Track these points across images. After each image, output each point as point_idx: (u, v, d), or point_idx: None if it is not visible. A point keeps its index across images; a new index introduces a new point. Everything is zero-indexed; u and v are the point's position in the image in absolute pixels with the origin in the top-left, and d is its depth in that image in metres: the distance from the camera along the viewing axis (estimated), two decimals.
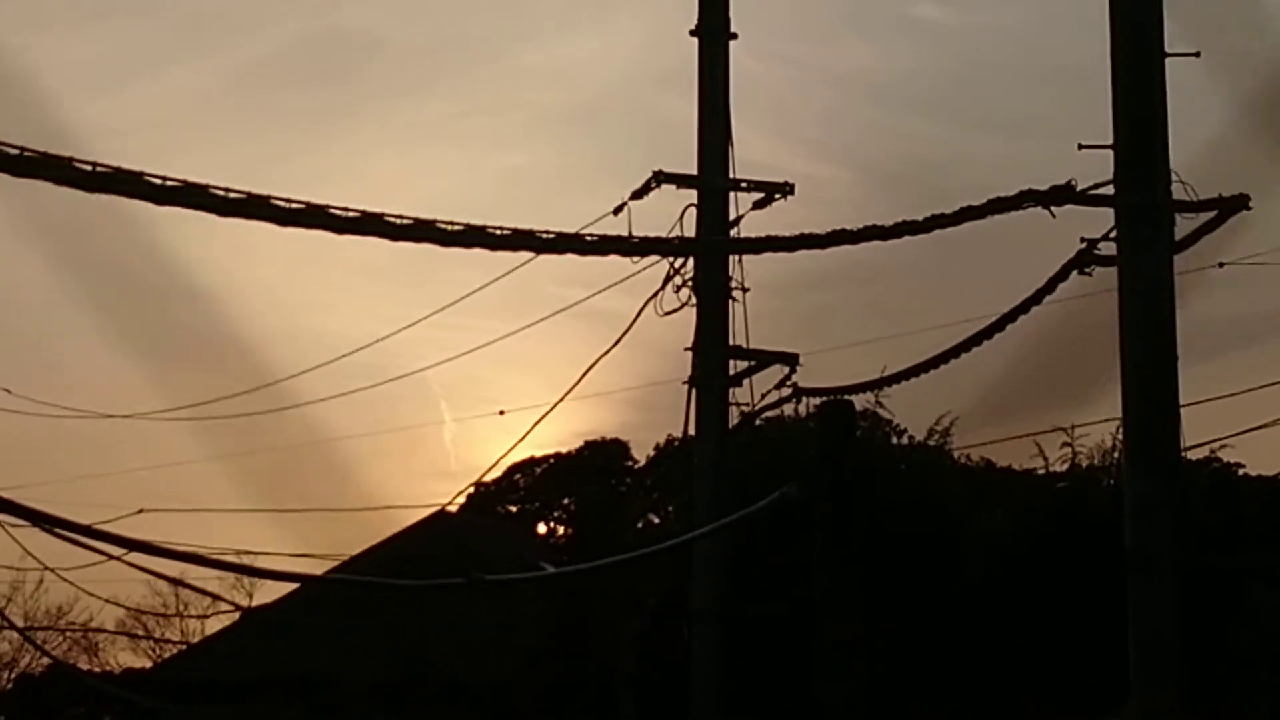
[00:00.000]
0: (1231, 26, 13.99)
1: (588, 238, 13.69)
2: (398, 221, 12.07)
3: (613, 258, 14.45)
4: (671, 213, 18.97)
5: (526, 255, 13.45)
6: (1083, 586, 21.85)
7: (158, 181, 10.86)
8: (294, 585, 29.58)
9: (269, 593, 40.53)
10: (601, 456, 47.56)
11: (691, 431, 19.56)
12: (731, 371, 19.48)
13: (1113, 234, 14.04)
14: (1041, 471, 26.00)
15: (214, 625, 39.74)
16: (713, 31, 19.68)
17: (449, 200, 47.04)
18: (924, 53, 61.91)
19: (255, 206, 11.31)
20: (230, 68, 59.83)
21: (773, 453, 23.90)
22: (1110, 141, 13.95)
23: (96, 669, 46.39)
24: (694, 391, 19.37)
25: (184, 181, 10.95)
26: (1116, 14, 14.05)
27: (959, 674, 23.23)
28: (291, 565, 23.96)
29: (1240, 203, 13.99)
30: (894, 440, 27.05)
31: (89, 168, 10.60)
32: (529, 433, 20.43)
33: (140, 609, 46.36)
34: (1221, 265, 17.44)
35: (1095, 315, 14.65)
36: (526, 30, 63.18)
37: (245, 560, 20.74)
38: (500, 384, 46.38)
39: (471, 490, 38.12)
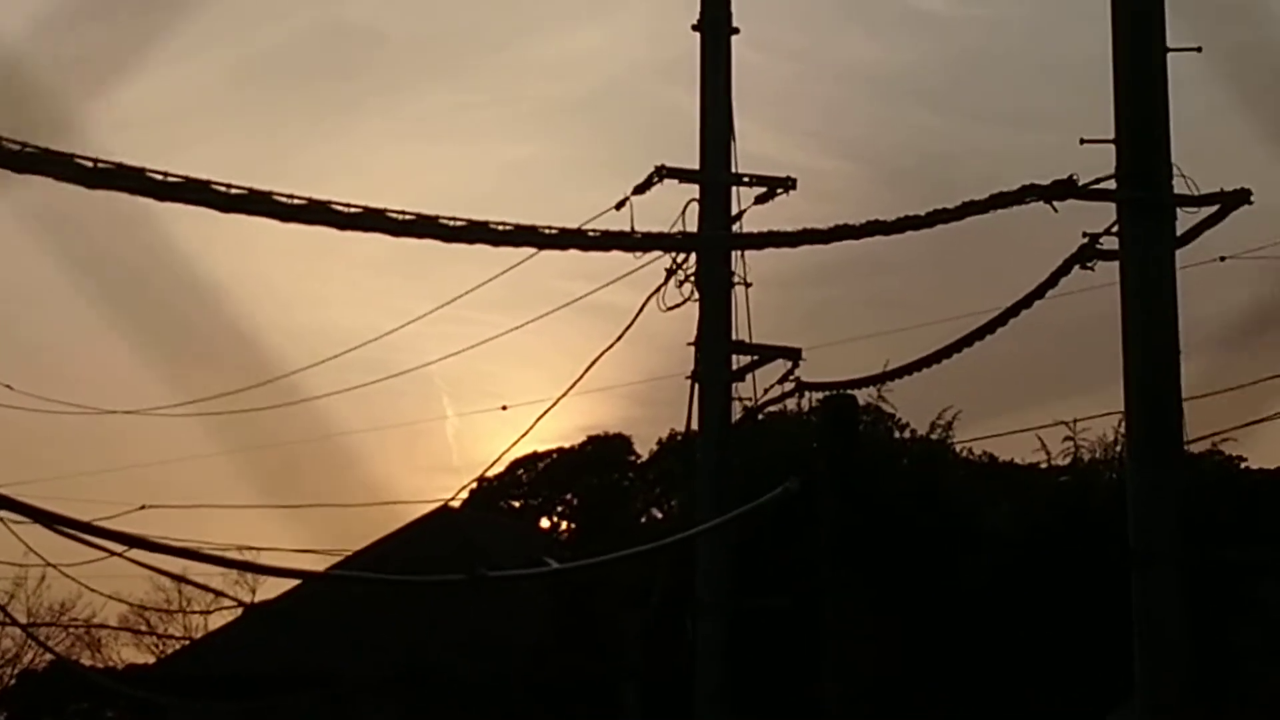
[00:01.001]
0: (1233, 21, 13.96)
1: (590, 233, 13.64)
2: (400, 217, 12.01)
3: (615, 252, 14.40)
4: (674, 207, 19.01)
5: (529, 250, 13.41)
6: (1086, 580, 21.87)
7: (159, 177, 10.81)
8: (297, 581, 29.53)
9: (272, 588, 40.65)
10: (604, 451, 47.59)
11: (694, 426, 19.56)
12: (734, 366, 19.48)
13: (1115, 228, 14.03)
14: (1044, 465, 26.05)
15: (217, 621, 39.87)
16: (715, 26, 19.67)
17: (452, 193, 47.02)
18: (926, 46, 61.98)
19: (257, 202, 11.27)
20: (232, 62, 59.81)
21: (776, 447, 23.93)
22: (1112, 136, 13.94)
23: (99, 665, 46.52)
24: (696, 386, 19.36)
25: (186, 177, 10.90)
26: (1118, 8, 14.04)
27: (962, 667, 23.24)
28: (294, 561, 23.94)
29: (1242, 197, 13.97)
30: (896, 434, 27.10)
31: (90, 163, 10.55)
32: (532, 427, 20.44)
33: (143, 605, 46.52)
34: (1223, 259, 17.48)
35: (1097, 309, 14.63)
36: (529, 24, 63.26)
37: (248, 556, 20.79)
38: (503, 379, 46.51)
39: (474, 485, 37.98)
